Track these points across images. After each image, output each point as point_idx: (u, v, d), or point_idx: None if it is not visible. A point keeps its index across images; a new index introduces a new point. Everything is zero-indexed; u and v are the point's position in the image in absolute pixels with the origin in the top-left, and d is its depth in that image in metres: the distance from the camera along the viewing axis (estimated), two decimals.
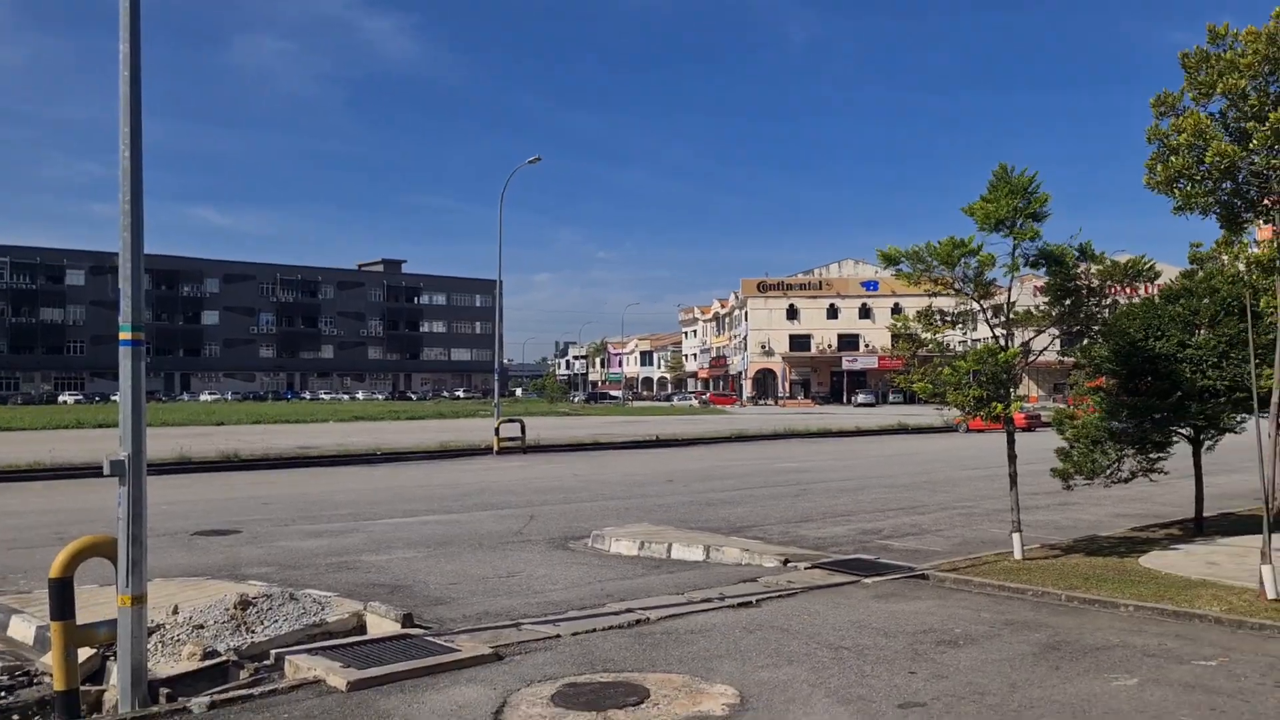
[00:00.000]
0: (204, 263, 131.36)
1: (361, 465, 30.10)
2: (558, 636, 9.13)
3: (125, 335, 7.56)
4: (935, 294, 12.96)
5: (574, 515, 17.93)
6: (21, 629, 9.80)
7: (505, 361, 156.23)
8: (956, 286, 12.82)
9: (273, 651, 8.62)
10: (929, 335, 13.32)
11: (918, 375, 13.20)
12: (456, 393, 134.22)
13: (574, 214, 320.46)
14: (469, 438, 37.99)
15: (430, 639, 8.95)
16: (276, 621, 9.49)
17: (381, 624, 9.66)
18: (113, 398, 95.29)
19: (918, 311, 13.44)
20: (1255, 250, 15.46)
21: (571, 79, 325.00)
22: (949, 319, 13.39)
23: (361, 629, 9.74)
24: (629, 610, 10.07)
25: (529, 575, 12.31)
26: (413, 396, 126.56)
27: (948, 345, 13.64)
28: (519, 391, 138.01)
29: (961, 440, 42.01)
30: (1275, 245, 12.13)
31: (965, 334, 14.83)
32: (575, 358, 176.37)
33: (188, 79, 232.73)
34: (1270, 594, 9.72)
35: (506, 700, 7.43)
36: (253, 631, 9.30)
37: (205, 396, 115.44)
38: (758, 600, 10.54)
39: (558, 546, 14.55)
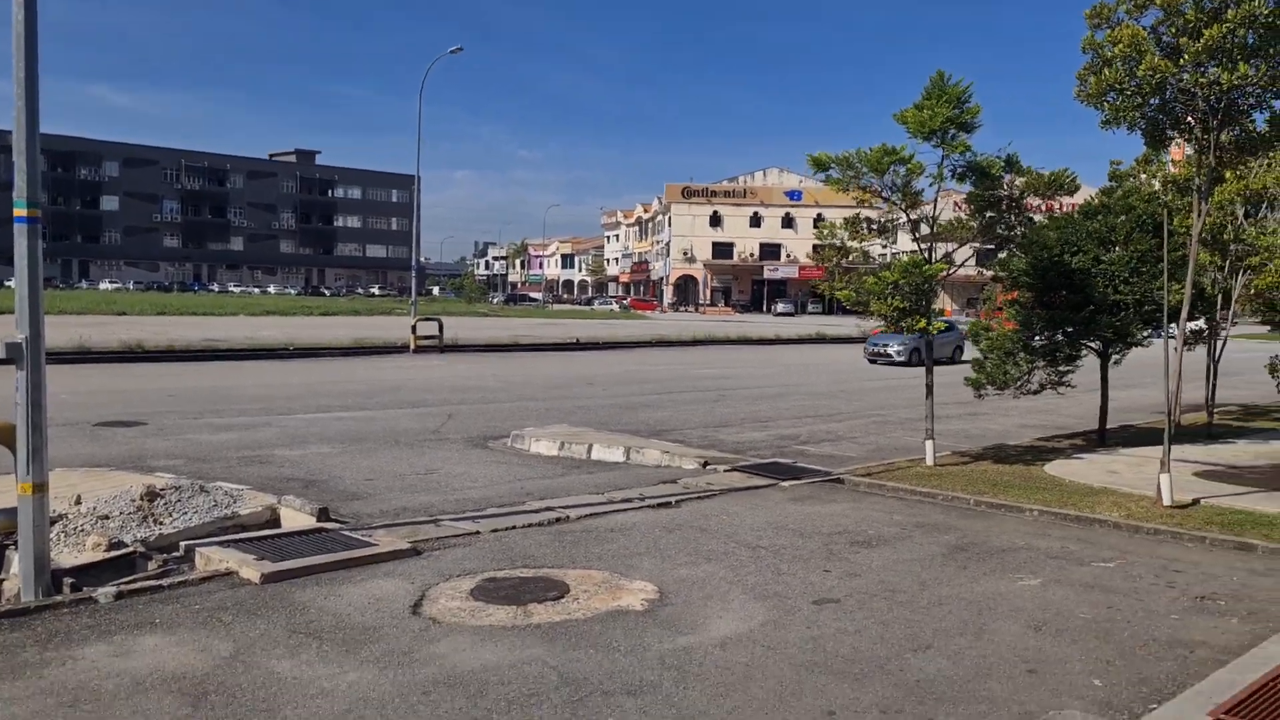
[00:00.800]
0: (103, 145, 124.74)
1: (273, 360, 29.40)
2: (477, 533, 9.09)
3: (20, 212, 7.09)
4: (862, 202, 12.95)
5: (493, 415, 17.82)
6: None
7: (423, 260, 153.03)
8: (884, 195, 12.84)
9: (182, 543, 8.41)
10: (855, 244, 13.35)
11: (841, 284, 13.27)
12: (371, 290, 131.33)
13: (497, 111, 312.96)
14: (385, 335, 37.34)
15: (347, 533, 8.83)
16: (186, 514, 9.25)
17: (296, 518, 9.49)
18: (8, 283, 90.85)
19: (844, 219, 13.44)
20: (1172, 170, 15.84)
21: None
22: (875, 228, 13.43)
23: (275, 522, 9.56)
24: (549, 508, 10.07)
25: (447, 473, 12.21)
26: (326, 292, 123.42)
27: (871, 256, 13.70)
28: (436, 291, 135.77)
29: None
30: (1192, 165, 12.37)
31: (886, 246, 14.93)
32: (495, 258, 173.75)
33: None
34: (1166, 501, 10.16)
35: (425, 594, 7.39)
36: (161, 523, 9.05)
37: (106, 285, 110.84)
38: (677, 501, 10.64)
39: (476, 445, 14.46)
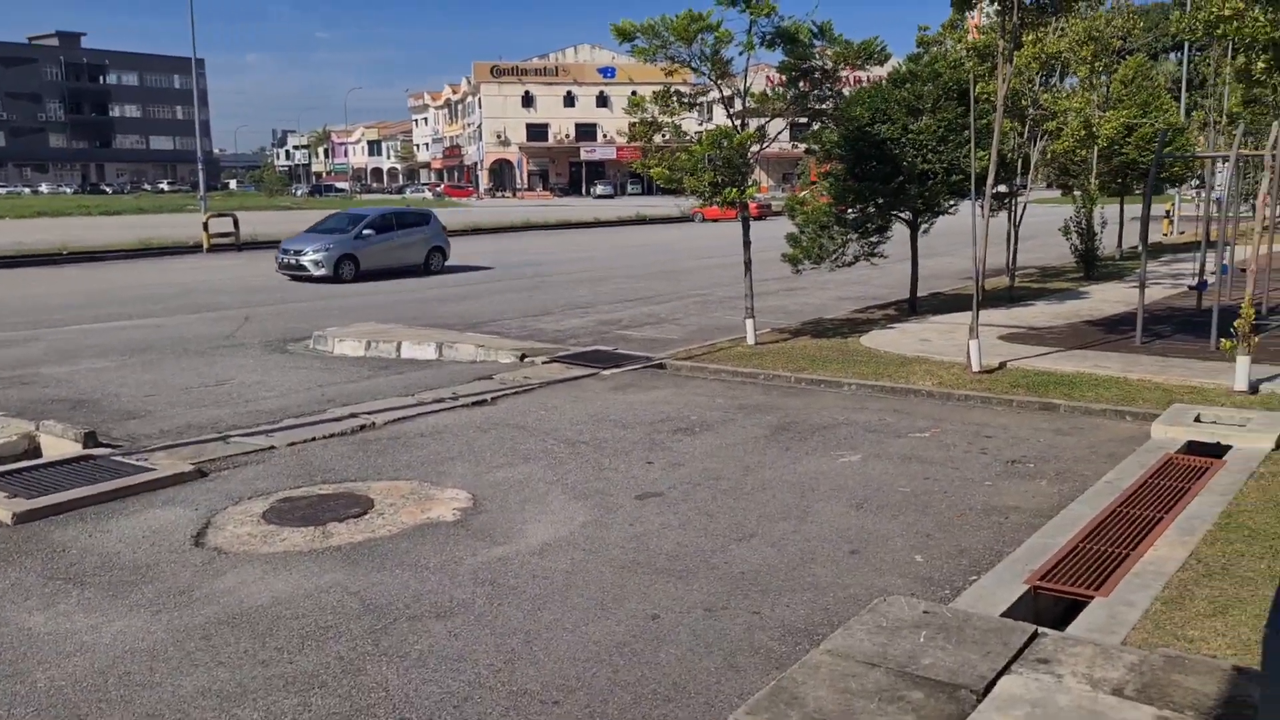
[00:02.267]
0: None
1: (45, 266, 26.60)
2: (272, 448, 8.32)
3: None
4: (672, 73, 12.40)
5: (294, 315, 16.63)
6: None
7: (216, 151, 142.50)
8: (693, 65, 12.34)
9: None
10: (666, 118, 12.83)
11: (654, 161, 12.80)
12: (160, 185, 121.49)
13: None
14: (174, 234, 34.49)
15: (119, 459, 7.89)
16: None
17: (59, 445, 8.42)
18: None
19: (653, 92, 12.86)
20: (973, 38, 15.94)
21: None
22: (685, 101, 12.94)
23: (35, 452, 8.48)
24: (353, 415, 9.35)
25: (240, 382, 11.21)
26: (108, 190, 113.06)
27: (685, 132, 13.25)
28: (233, 184, 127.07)
29: (698, 230, 42.94)
30: (993, 32, 12.36)
31: (701, 123, 14.51)
32: (296, 147, 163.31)
33: None
34: (975, 367, 10.38)
35: (210, 521, 6.66)
36: None
37: None
38: (493, 398, 10.10)
39: (275, 350, 13.40)
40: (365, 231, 23.07)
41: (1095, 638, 4.38)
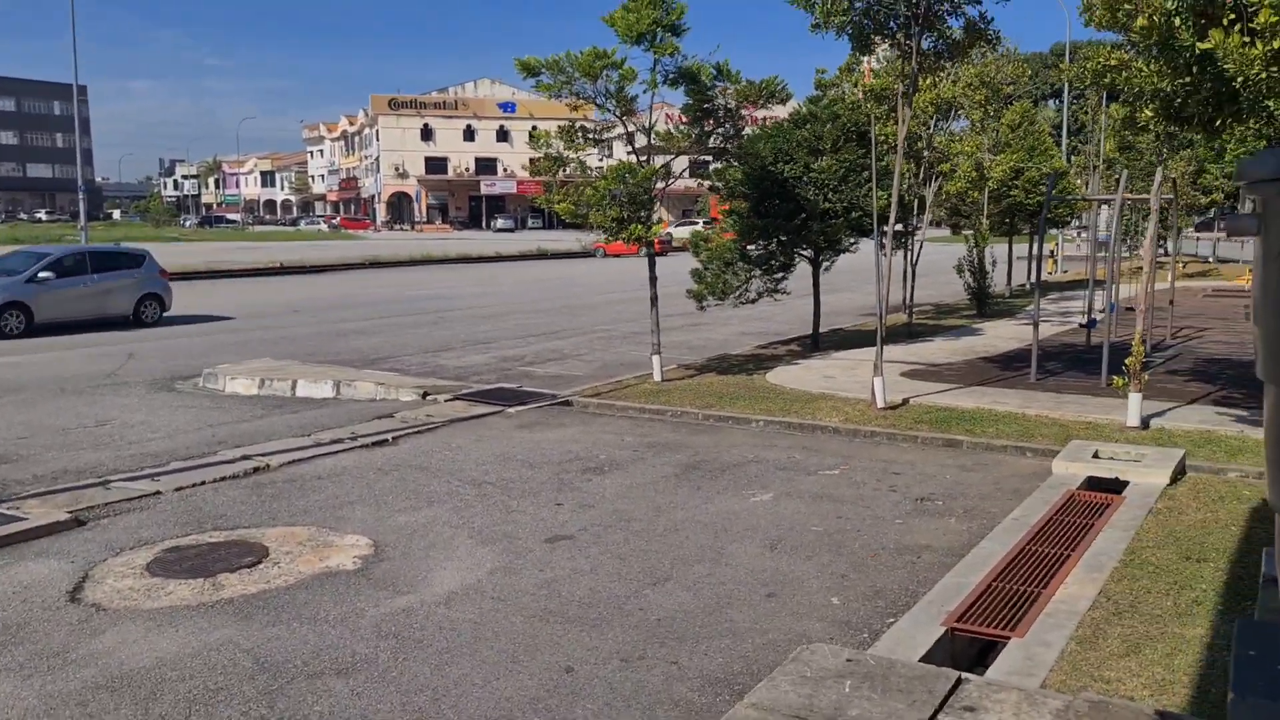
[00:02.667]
0: None
1: None
2: (157, 493, 7.85)
3: None
4: (576, 107, 12.36)
5: (182, 352, 15.92)
6: None
7: (99, 180, 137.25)
8: (598, 102, 12.32)
9: None
10: (571, 154, 12.75)
11: (560, 196, 12.71)
12: (38, 215, 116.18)
13: (177, 13, 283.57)
14: None
15: None
16: None
17: None
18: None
19: (559, 127, 12.79)
20: (868, 80, 16.36)
21: None
22: (590, 137, 12.91)
23: None
24: (245, 457, 8.91)
25: (123, 423, 10.60)
26: None
27: (589, 168, 13.21)
28: (117, 215, 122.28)
29: (600, 265, 42.93)
30: (888, 75, 12.68)
31: (604, 159, 14.52)
32: (185, 177, 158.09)
33: None
34: (880, 404, 10.48)
35: (89, 574, 6.21)
36: None
37: None
38: (394, 438, 9.77)
39: (161, 388, 12.77)
40: (44, 274, 18.67)
41: (1017, 682, 4.36)
